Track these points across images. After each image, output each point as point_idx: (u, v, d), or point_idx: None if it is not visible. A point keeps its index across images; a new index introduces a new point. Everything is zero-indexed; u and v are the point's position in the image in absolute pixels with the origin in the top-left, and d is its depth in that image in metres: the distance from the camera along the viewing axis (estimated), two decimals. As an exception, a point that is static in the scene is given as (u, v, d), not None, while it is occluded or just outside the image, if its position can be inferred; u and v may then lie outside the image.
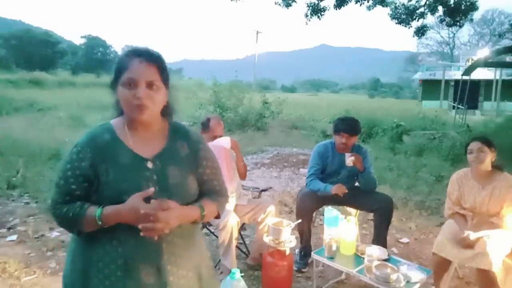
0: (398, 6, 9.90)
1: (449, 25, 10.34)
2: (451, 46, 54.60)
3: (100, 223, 1.11)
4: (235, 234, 2.69)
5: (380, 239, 2.90)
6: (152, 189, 1.13)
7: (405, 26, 9.93)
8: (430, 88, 27.56)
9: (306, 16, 9.75)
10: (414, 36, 10.34)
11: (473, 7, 9.30)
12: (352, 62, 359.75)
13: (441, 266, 2.41)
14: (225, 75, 13.57)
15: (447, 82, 26.43)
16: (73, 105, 15.84)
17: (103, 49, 55.49)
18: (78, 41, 66.78)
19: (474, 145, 2.46)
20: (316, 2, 9.59)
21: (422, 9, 9.80)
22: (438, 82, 26.49)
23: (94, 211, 1.12)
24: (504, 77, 21.54)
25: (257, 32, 36.65)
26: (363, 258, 2.30)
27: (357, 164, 2.93)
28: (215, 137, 2.91)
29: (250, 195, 3.56)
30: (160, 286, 1.16)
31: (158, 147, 1.24)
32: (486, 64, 13.15)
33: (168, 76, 1.24)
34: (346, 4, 9.47)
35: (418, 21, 9.96)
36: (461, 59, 28.62)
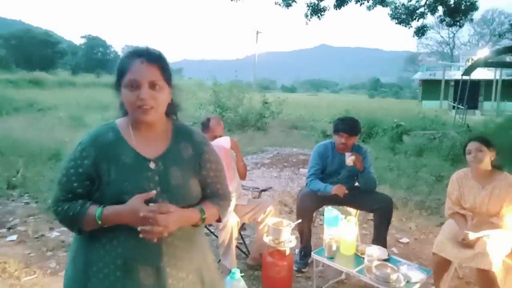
0: (398, 6, 9.90)
1: (449, 25, 10.35)
2: (451, 46, 54.64)
3: (99, 222, 1.11)
4: (235, 234, 2.69)
5: (380, 239, 2.90)
6: (153, 192, 1.12)
7: (405, 26, 9.94)
8: (430, 88, 27.57)
9: (306, 16, 9.75)
10: (414, 36, 10.35)
11: (473, 7, 9.30)
12: (352, 62, 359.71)
13: (441, 266, 2.41)
14: (225, 75, 13.58)
15: (447, 82, 26.43)
16: (73, 105, 15.84)
17: (103, 49, 55.52)
18: (78, 41, 66.79)
19: (472, 145, 2.47)
20: (316, 2, 9.59)
21: (422, 9, 9.80)
22: (438, 82, 26.50)
23: (94, 210, 1.12)
24: (504, 77, 21.54)
25: (257, 32, 36.67)
26: (363, 258, 2.30)
27: (357, 163, 2.93)
28: (215, 137, 2.91)
29: (250, 195, 3.56)
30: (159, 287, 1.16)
31: (162, 147, 1.23)
32: (486, 64, 13.15)
33: (171, 75, 1.23)
34: (346, 4, 9.47)
35: (418, 21, 9.97)
36: (461, 59, 28.62)
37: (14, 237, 3.46)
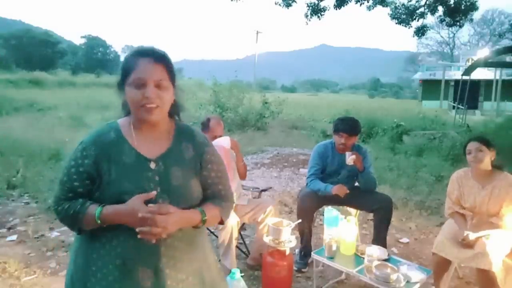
0: (398, 6, 9.90)
1: (449, 25, 10.35)
2: (451, 46, 54.67)
3: (98, 222, 1.11)
4: (235, 234, 2.69)
5: (380, 239, 2.90)
6: (154, 192, 1.12)
7: (405, 26, 9.93)
8: (430, 88, 27.58)
9: (306, 16, 9.75)
10: (414, 36, 10.34)
11: (473, 7, 9.30)
12: (352, 62, 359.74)
13: (441, 266, 2.41)
14: (225, 75, 13.55)
15: (447, 82, 26.44)
16: (73, 105, 15.84)
17: (103, 49, 55.56)
18: (78, 41, 66.87)
19: (472, 145, 2.47)
20: (316, 2, 9.59)
21: (422, 9, 9.80)
22: (438, 82, 26.51)
23: (94, 209, 1.12)
24: (504, 77, 21.54)
25: (257, 32, 36.68)
26: (363, 258, 2.30)
27: (357, 163, 2.93)
28: (215, 137, 2.91)
29: (250, 195, 3.56)
30: None
31: (163, 148, 1.23)
32: (486, 64, 13.15)
33: (175, 75, 1.23)
34: (346, 4, 9.47)
35: (418, 21, 9.97)
36: (461, 59, 28.63)
37: (14, 237, 3.46)
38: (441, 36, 53.34)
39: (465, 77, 13.82)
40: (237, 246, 2.88)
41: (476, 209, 2.47)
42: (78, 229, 1.18)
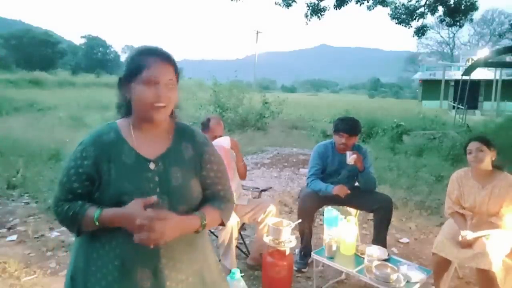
0: (398, 6, 9.90)
1: (449, 25, 10.35)
2: (451, 46, 54.69)
3: (97, 224, 1.11)
4: (235, 234, 2.69)
5: (380, 239, 2.90)
6: (154, 197, 1.10)
7: (405, 26, 9.94)
8: (430, 88, 27.58)
9: (306, 16, 9.75)
10: (414, 36, 10.35)
11: (473, 7, 9.30)
12: (352, 62, 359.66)
13: (441, 266, 2.41)
14: (225, 75, 13.53)
15: (447, 82, 26.44)
16: (73, 105, 15.85)
17: (103, 49, 55.59)
18: (78, 41, 66.92)
19: (473, 145, 2.47)
20: (316, 2, 9.59)
21: (422, 9, 9.80)
22: (438, 82, 26.51)
23: (93, 211, 1.12)
24: (504, 77, 21.54)
25: (257, 32, 36.66)
26: (363, 258, 2.30)
27: (358, 163, 2.93)
28: (215, 137, 2.91)
29: (250, 195, 3.56)
30: None
31: (162, 148, 1.22)
32: (486, 64, 13.15)
33: (179, 75, 1.24)
34: (346, 4, 9.47)
35: (418, 21, 9.97)
36: (461, 59, 28.63)
37: (14, 237, 3.45)
38: (441, 36, 53.43)
39: (465, 77, 13.82)
40: (237, 246, 2.88)
41: (476, 209, 2.47)
42: (77, 230, 1.17)
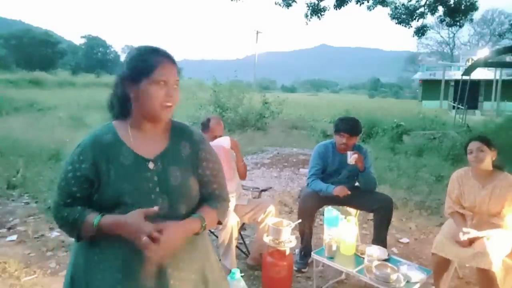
0: (398, 6, 9.90)
1: (449, 25, 10.34)
2: (451, 46, 54.66)
3: (97, 230, 1.11)
4: (235, 234, 2.69)
5: (380, 239, 2.90)
6: (156, 208, 1.10)
7: (405, 26, 9.93)
8: (430, 88, 27.58)
9: (306, 16, 9.75)
10: (414, 36, 10.34)
11: (473, 7, 9.30)
12: (352, 62, 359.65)
13: (441, 266, 2.41)
14: (225, 75, 13.52)
15: (447, 82, 26.44)
16: (73, 105, 15.84)
17: (103, 49, 55.58)
18: (78, 41, 66.95)
19: (473, 145, 2.47)
20: (316, 2, 9.59)
21: (422, 9, 9.80)
22: (438, 82, 26.51)
23: (92, 218, 1.11)
24: (504, 77, 21.54)
25: (257, 32, 36.66)
26: (363, 258, 2.30)
27: (359, 162, 2.93)
28: (215, 137, 2.91)
29: (250, 195, 3.56)
30: None
31: (160, 147, 1.23)
32: (486, 64, 13.15)
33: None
34: (346, 4, 9.47)
35: (418, 21, 9.96)
36: (461, 59, 28.63)
37: (14, 237, 3.45)
38: (441, 36, 53.40)
39: (465, 77, 13.82)
40: (237, 246, 2.88)
41: (476, 209, 2.47)
42: (77, 236, 1.17)
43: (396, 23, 9.93)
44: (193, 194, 1.24)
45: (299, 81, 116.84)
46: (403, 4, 9.87)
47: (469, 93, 13.28)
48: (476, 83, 21.83)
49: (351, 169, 3.04)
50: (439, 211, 4.30)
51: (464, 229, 2.35)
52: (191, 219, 1.20)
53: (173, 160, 1.22)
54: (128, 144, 1.19)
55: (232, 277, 2.05)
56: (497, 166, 2.49)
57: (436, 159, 7.29)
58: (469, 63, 15.84)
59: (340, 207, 3.09)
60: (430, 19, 20.60)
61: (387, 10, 9.97)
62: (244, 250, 3.18)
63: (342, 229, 2.50)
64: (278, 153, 8.04)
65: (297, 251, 3.13)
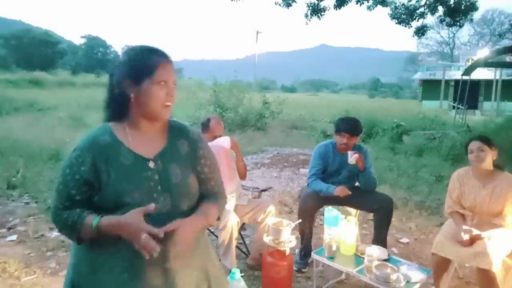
0: (398, 6, 9.89)
1: (449, 25, 10.34)
2: (451, 46, 54.66)
3: (96, 231, 1.10)
4: (235, 234, 2.69)
5: (380, 239, 2.90)
6: (152, 206, 1.09)
7: (405, 26, 9.93)
8: (430, 88, 27.58)
9: (306, 16, 9.74)
10: (414, 36, 10.33)
11: (473, 7, 9.30)
12: (352, 62, 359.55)
13: (441, 266, 2.41)
14: (225, 75, 13.51)
15: (447, 82, 26.43)
16: (73, 105, 15.84)
17: (103, 49, 55.59)
18: (78, 41, 66.94)
19: (474, 145, 2.47)
20: (316, 2, 9.58)
21: (422, 9, 9.79)
22: (438, 82, 26.50)
23: (91, 219, 1.11)
24: (504, 77, 21.54)
25: (257, 32, 36.64)
26: (363, 258, 2.30)
27: (360, 162, 2.93)
28: (215, 137, 2.91)
29: (250, 195, 3.55)
30: (167, 287, 1.15)
31: (159, 146, 1.23)
32: (486, 64, 13.14)
33: None
34: (346, 4, 9.46)
35: (418, 21, 9.95)
36: (461, 59, 28.62)
37: (14, 237, 3.45)
38: (441, 36, 53.39)
39: (465, 77, 13.82)
40: (237, 246, 2.88)
41: (477, 209, 2.47)
42: (77, 238, 1.16)
43: (396, 23, 9.92)
44: (193, 191, 1.25)
45: (299, 81, 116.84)
46: (403, 4, 9.87)
47: (469, 93, 13.28)
48: (476, 83, 21.83)
49: (351, 169, 3.04)
50: (439, 211, 4.30)
51: (465, 227, 2.35)
52: (198, 216, 1.21)
53: (172, 159, 1.23)
54: (127, 144, 1.19)
55: (232, 277, 2.05)
56: (498, 166, 2.49)
57: (436, 159, 7.29)
58: (469, 63, 15.84)
59: (340, 207, 3.09)
60: (430, 19, 20.59)
61: (387, 10, 9.98)
62: (244, 250, 3.18)
63: (342, 229, 2.50)
64: (278, 153, 8.04)
65: (297, 251, 3.13)
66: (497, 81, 20.45)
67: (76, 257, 1.21)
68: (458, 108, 14.78)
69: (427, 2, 9.60)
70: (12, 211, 4.12)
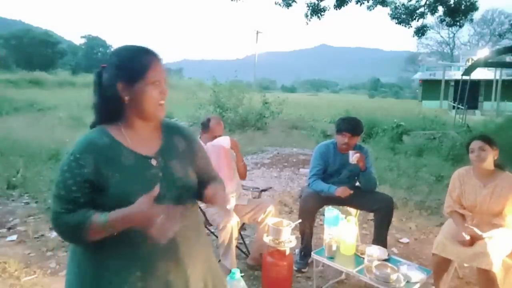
0: (398, 6, 9.90)
1: (449, 25, 10.34)
2: (451, 46, 54.63)
3: (107, 226, 1.06)
4: (235, 234, 2.69)
5: (380, 239, 2.89)
6: (157, 189, 1.08)
7: (405, 26, 9.93)
8: (430, 88, 27.58)
9: (306, 16, 9.74)
10: (414, 36, 10.34)
11: (473, 7, 9.30)
12: (352, 62, 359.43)
13: (441, 266, 2.41)
14: (225, 75, 13.52)
15: (447, 82, 26.44)
16: (73, 105, 15.80)
17: (103, 49, 55.53)
18: (78, 41, 66.90)
19: (475, 144, 2.46)
20: (316, 2, 9.58)
21: (422, 9, 9.80)
22: (438, 82, 26.51)
23: (99, 216, 1.07)
24: (504, 77, 21.55)
25: (257, 32, 36.63)
26: (363, 258, 2.30)
27: (361, 162, 2.92)
28: (215, 137, 2.91)
29: (250, 195, 3.55)
30: (181, 279, 1.17)
31: (156, 144, 1.25)
32: (486, 64, 13.15)
33: None
34: (346, 4, 9.47)
35: (418, 21, 9.96)
36: (461, 59, 28.63)
37: (14, 237, 3.45)
38: (441, 36, 53.35)
39: (465, 77, 13.82)
40: (237, 246, 2.88)
41: (477, 208, 2.47)
42: (81, 240, 1.12)
43: (396, 23, 9.93)
44: (193, 185, 1.28)
45: (299, 81, 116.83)
46: (403, 4, 9.88)
47: (469, 93, 13.28)
48: (476, 83, 21.83)
49: (351, 169, 3.04)
50: (439, 211, 4.30)
51: (466, 226, 2.35)
52: (218, 184, 1.34)
53: (172, 155, 1.25)
54: (126, 144, 1.19)
55: (232, 277, 2.04)
56: (499, 165, 2.48)
57: (436, 159, 7.29)
58: (469, 63, 15.85)
59: (341, 207, 3.09)
60: (430, 19, 20.60)
61: (387, 10, 9.99)
62: (244, 250, 3.18)
63: (342, 229, 2.50)
64: (278, 153, 8.04)
65: (297, 251, 3.12)
66: (497, 81, 20.45)
67: (78, 260, 1.18)
68: (458, 108, 14.78)
69: (427, 2, 9.61)
70: (12, 211, 4.12)
